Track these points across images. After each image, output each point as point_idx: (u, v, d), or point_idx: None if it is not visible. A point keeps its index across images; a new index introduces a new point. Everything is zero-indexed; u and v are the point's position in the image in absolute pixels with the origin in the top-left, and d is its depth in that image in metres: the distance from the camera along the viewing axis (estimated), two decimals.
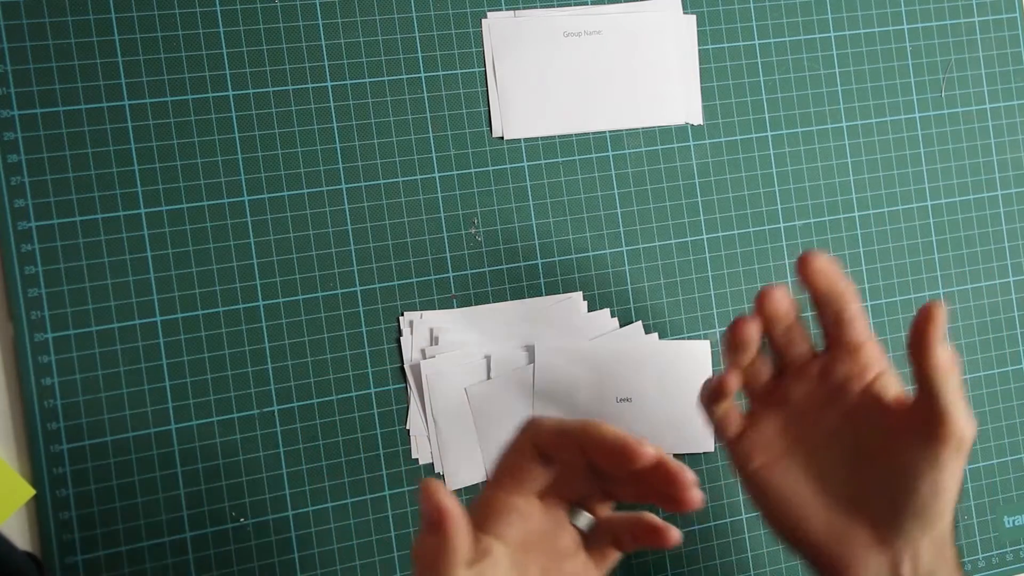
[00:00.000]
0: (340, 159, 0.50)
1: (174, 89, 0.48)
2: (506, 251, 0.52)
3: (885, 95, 0.57)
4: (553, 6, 0.52)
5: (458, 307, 0.51)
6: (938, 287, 0.57)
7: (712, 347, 0.53)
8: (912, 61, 0.57)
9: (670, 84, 0.54)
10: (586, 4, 0.53)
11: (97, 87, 0.47)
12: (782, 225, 0.55)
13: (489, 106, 0.52)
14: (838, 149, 0.56)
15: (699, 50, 0.54)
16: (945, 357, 0.38)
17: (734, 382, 0.41)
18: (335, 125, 0.50)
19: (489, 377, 0.51)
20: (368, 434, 0.50)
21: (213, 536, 0.48)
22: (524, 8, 0.52)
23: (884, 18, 0.57)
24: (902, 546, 0.39)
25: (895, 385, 0.40)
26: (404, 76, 0.51)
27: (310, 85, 0.50)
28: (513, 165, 0.52)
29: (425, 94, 0.51)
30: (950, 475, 0.38)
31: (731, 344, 0.41)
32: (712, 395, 0.42)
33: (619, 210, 0.53)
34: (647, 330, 0.53)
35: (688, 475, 0.34)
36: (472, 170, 0.51)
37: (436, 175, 0.51)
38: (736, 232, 0.54)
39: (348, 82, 0.50)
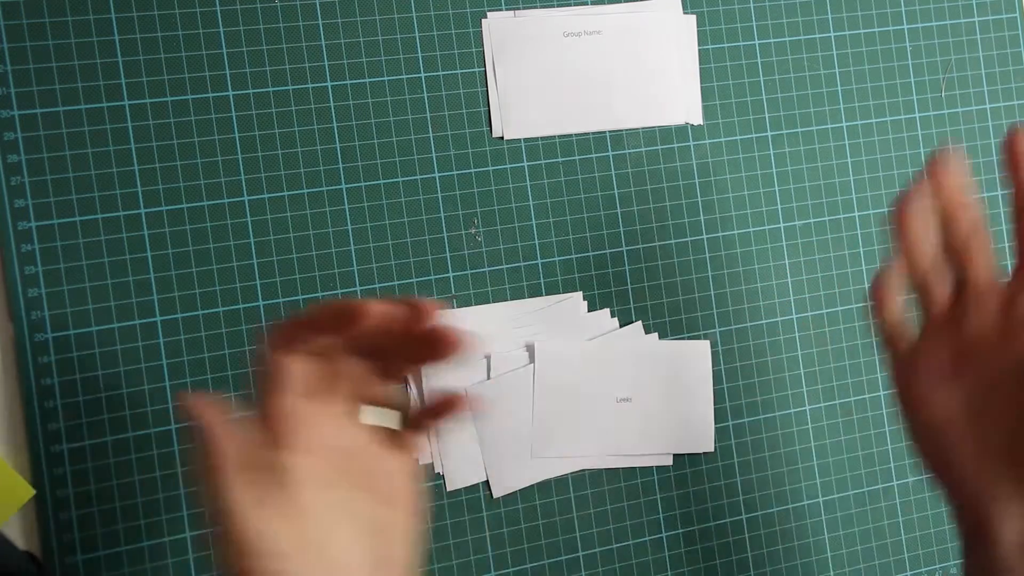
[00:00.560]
0: (340, 159, 0.50)
1: (174, 89, 0.48)
2: (506, 251, 0.52)
3: (885, 95, 0.57)
4: (553, 6, 0.52)
5: (458, 307, 0.51)
6: None
7: (712, 347, 0.53)
8: (912, 61, 0.57)
9: (670, 84, 0.54)
10: (586, 4, 0.53)
11: (97, 87, 0.47)
12: (782, 225, 0.55)
13: (489, 106, 0.52)
14: (838, 149, 0.56)
15: (699, 50, 0.54)
16: None
17: (901, 280, 0.38)
18: (335, 125, 0.50)
19: (489, 377, 0.51)
20: None
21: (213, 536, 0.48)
22: (524, 8, 0.52)
23: (884, 18, 0.57)
24: None
25: None
26: (404, 76, 0.51)
27: (310, 85, 0.50)
28: (513, 165, 0.52)
29: (425, 94, 0.51)
30: None
31: (900, 228, 0.38)
32: (880, 292, 0.39)
33: (619, 210, 0.53)
34: (647, 330, 0.53)
35: (429, 304, 0.33)
36: (472, 170, 0.51)
37: (436, 175, 0.51)
38: (736, 232, 0.54)
39: (348, 82, 0.50)
